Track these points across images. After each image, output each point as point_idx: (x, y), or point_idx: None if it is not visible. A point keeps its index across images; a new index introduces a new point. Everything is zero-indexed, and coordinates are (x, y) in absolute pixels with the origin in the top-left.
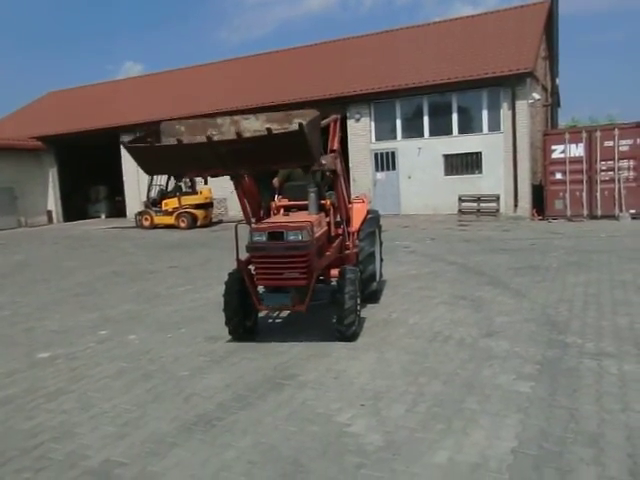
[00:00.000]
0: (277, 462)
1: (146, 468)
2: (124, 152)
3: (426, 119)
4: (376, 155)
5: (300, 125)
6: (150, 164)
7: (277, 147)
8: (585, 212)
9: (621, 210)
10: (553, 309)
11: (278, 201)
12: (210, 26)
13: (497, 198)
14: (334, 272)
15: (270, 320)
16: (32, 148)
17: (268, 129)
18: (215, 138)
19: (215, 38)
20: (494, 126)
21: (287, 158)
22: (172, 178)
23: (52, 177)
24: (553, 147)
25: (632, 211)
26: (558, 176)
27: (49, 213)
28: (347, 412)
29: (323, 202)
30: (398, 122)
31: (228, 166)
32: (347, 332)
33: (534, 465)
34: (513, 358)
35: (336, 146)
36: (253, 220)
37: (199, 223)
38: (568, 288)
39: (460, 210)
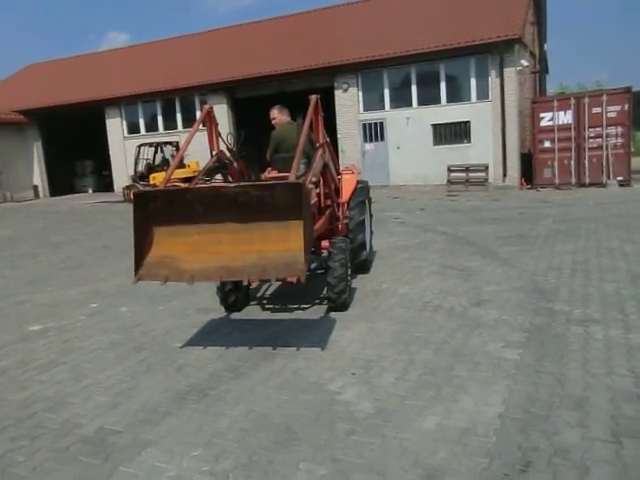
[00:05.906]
0: (270, 429)
1: (139, 436)
2: (110, 126)
3: (414, 88)
4: (364, 126)
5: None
6: None
7: None
8: (573, 180)
9: (609, 177)
10: (541, 277)
11: (268, 173)
12: None
13: (486, 168)
14: (325, 243)
15: (261, 291)
16: (14, 122)
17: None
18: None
19: (203, 6)
20: (482, 94)
21: None
22: (159, 151)
23: (37, 151)
24: (541, 115)
25: (619, 178)
26: (547, 144)
27: (35, 188)
28: (338, 381)
29: None
30: (386, 92)
31: None
32: (338, 300)
33: (521, 429)
34: (501, 326)
35: (322, 140)
36: None
37: None
38: (556, 256)
39: (449, 180)
